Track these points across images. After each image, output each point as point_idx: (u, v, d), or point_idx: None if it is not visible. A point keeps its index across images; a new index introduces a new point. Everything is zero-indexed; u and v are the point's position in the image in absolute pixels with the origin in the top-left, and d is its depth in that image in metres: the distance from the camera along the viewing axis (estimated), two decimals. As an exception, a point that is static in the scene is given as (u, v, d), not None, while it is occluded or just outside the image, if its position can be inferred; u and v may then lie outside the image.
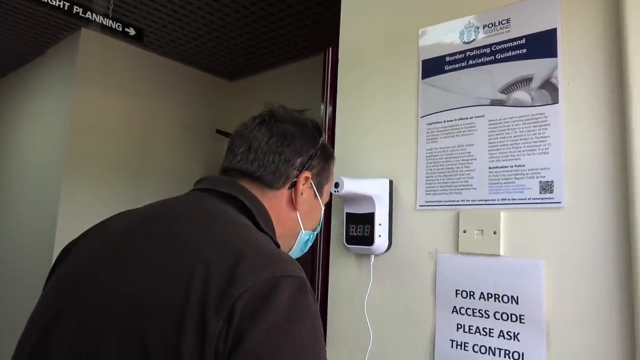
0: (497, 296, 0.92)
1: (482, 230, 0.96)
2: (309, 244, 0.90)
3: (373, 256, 1.11)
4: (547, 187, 0.90)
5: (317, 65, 1.55)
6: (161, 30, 2.89)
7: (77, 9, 2.05)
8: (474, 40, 1.04)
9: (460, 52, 1.05)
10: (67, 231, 2.66)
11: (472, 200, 0.99)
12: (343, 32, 1.32)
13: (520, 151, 0.94)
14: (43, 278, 0.73)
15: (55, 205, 2.75)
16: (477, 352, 0.94)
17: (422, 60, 1.12)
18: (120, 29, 2.21)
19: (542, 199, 0.90)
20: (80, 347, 0.57)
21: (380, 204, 1.09)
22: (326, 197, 0.89)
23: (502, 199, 0.95)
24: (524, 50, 0.96)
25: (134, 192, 3.04)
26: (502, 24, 1.00)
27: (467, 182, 1.00)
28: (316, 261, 1.33)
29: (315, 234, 0.90)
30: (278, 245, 0.73)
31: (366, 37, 1.25)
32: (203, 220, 0.66)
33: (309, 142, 0.81)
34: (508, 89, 0.97)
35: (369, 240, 1.09)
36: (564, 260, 0.87)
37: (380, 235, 1.08)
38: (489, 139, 0.98)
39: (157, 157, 3.22)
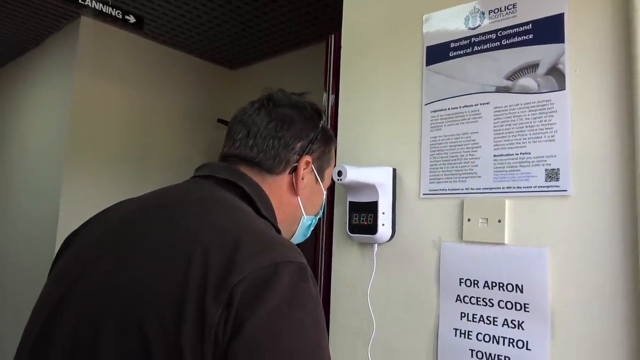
0: (501, 285, 0.92)
1: (487, 219, 0.95)
2: (311, 229, 0.90)
3: (376, 245, 1.11)
4: (553, 175, 0.89)
5: (320, 52, 1.54)
6: (161, 18, 2.86)
7: (76, -5, 2.02)
8: (479, 26, 1.02)
9: (466, 38, 1.04)
10: (69, 221, 2.66)
11: (476, 189, 0.98)
12: (346, 18, 1.30)
13: (526, 138, 0.92)
14: (45, 268, 0.73)
15: (56, 194, 2.75)
16: (481, 340, 0.94)
17: (427, 47, 1.10)
18: (120, 17, 2.18)
19: (547, 187, 0.89)
20: (81, 337, 0.57)
21: (384, 193, 1.08)
22: (328, 181, 0.88)
23: (507, 187, 0.94)
24: (531, 36, 0.94)
25: (135, 181, 3.03)
26: (508, 9, 0.98)
27: (472, 170, 0.99)
28: (319, 250, 1.33)
29: (317, 218, 0.89)
30: (279, 231, 0.72)
31: (369, 23, 1.23)
32: (202, 208, 0.65)
33: (308, 125, 0.80)
34: (514, 75, 0.95)
35: (372, 229, 1.08)
36: (569, 248, 0.86)
37: (383, 224, 1.08)
38: (494, 127, 0.97)
39: (158, 146, 3.20)
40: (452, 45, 1.06)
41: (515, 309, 0.90)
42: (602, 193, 0.84)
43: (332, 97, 1.36)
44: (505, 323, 0.91)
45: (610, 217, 0.82)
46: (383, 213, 1.08)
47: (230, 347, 0.51)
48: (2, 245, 3.31)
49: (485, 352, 0.93)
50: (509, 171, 0.94)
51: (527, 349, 0.87)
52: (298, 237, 0.88)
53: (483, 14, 1.02)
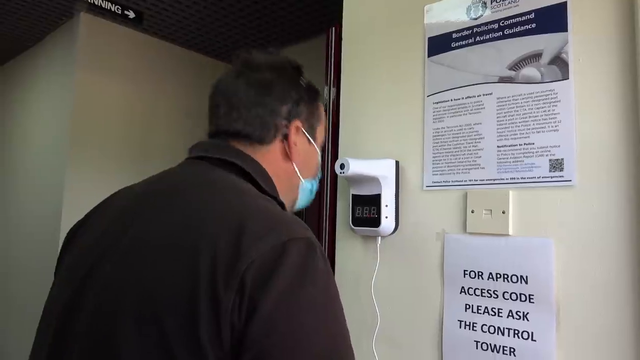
0: (506, 276, 0.92)
1: (491, 210, 0.95)
2: (314, 192, 0.87)
3: (380, 238, 1.11)
4: (557, 165, 0.88)
5: (320, 46, 1.52)
6: (161, 13, 2.85)
7: (75, -9, 2.01)
8: (481, 16, 1.01)
9: (468, 29, 1.03)
10: (72, 216, 2.64)
11: (480, 180, 0.98)
12: (346, 10, 1.29)
13: (529, 129, 0.92)
14: (49, 263, 0.73)
15: (59, 190, 2.75)
16: (485, 332, 0.93)
17: (428, 38, 1.09)
18: (120, 12, 2.18)
19: (552, 177, 0.88)
20: (97, 335, 0.56)
21: (387, 185, 1.08)
22: (320, 139, 0.86)
23: (510, 178, 0.93)
24: (533, 25, 0.93)
25: (137, 176, 2.98)
26: (510, -2, 0.97)
27: (475, 161, 0.99)
28: (322, 244, 1.33)
29: (317, 180, 0.87)
30: (282, 205, 0.71)
31: (370, 15, 1.23)
32: (202, 193, 0.64)
33: (291, 85, 0.78)
34: (517, 65, 0.95)
35: (375, 221, 1.08)
36: (574, 239, 0.86)
37: (387, 217, 1.07)
38: (497, 117, 0.96)
39: (159, 141, 3.20)
40: (454, 35, 1.05)
41: (520, 300, 0.90)
42: (607, 182, 0.83)
43: (333, 90, 1.35)
44: (510, 314, 0.91)
45: (616, 207, 0.82)
46: (386, 206, 1.08)
47: (246, 330, 0.51)
48: (4, 242, 3.32)
49: (490, 344, 0.92)
50: (513, 162, 0.93)
51: (532, 339, 0.87)
52: (302, 202, 0.85)
53: (485, 3, 1.01)
